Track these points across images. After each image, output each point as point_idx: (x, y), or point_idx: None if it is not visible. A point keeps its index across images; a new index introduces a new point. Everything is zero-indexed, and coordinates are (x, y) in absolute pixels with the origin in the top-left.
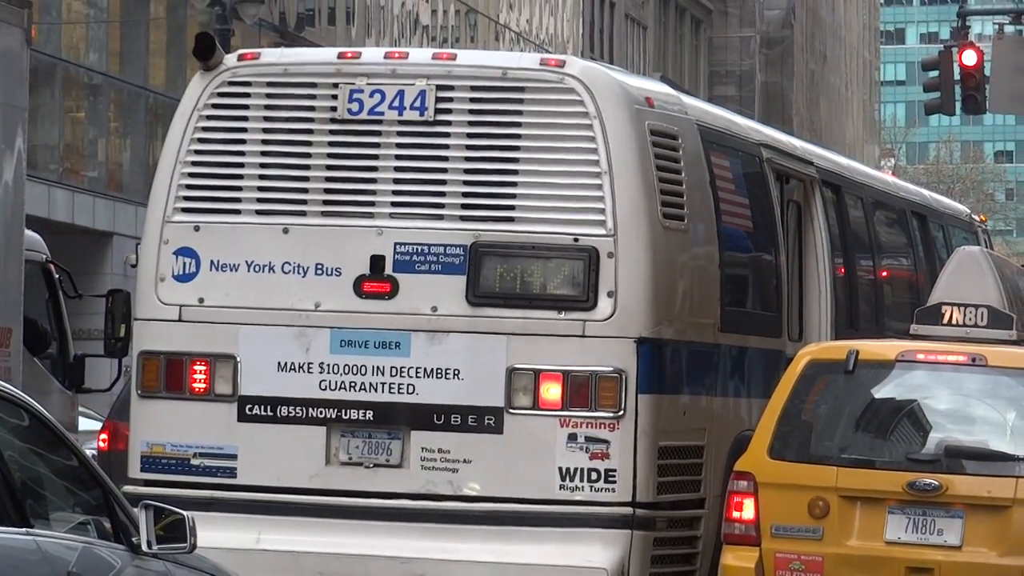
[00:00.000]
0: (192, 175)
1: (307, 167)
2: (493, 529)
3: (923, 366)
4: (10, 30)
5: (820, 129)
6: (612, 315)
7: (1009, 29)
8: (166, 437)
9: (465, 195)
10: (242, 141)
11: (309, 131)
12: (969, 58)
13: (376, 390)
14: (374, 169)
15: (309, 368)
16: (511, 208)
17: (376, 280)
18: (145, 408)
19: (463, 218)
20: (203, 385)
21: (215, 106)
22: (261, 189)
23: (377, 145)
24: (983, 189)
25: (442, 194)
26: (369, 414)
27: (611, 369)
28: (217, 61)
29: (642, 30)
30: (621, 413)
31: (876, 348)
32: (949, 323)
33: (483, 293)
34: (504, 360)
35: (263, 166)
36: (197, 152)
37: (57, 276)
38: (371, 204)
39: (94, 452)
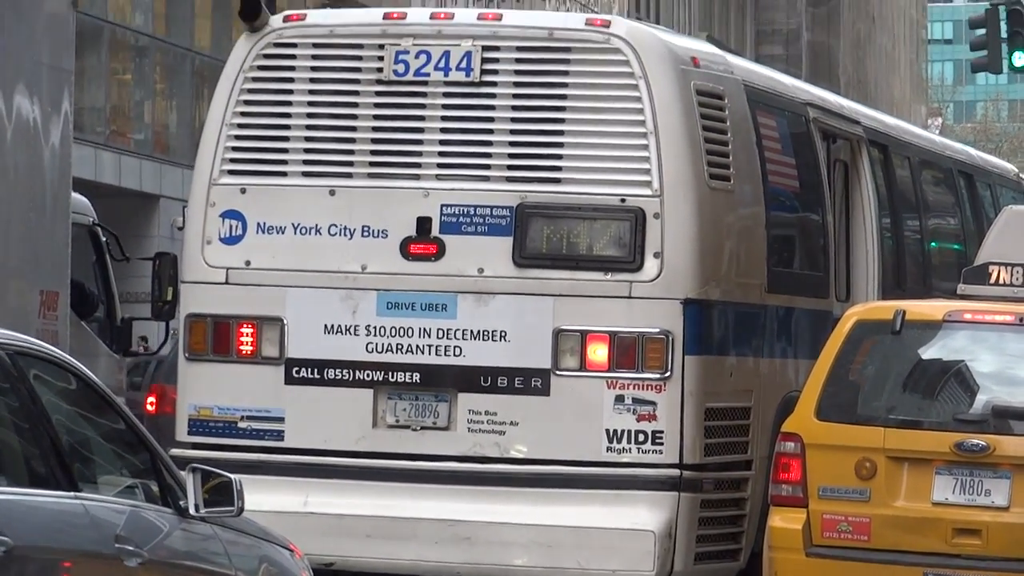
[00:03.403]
0: (238, 137)
1: (353, 128)
2: (540, 491)
3: (970, 326)
4: None
5: (867, 88)
6: (658, 276)
7: None
8: (213, 400)
9: (511, 156)
10: (288, 103)
11: (355, 92)
12: (1016, 16)
13: (423, 352)
14: (420, 130)
15: (356, 330)
16: (557, 169)
17: (422, 242)
18: (192, 371)
19: (509, 179)
20: (250, 348)
21: (261, 68)
22: (307, 151)
23: (423, 106)
24: None
25: (488, 155)
26: (416, 376)
27: (658, 330)
28: (263, 23)
29: None
30: (668, 374)
31: (923, 308)
32: (996, 283)
33: (529, 254)
34: (551, 321)
35: (309, 128)
36: (243, 114)
37: (104, 239)
38: (417, 166)
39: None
